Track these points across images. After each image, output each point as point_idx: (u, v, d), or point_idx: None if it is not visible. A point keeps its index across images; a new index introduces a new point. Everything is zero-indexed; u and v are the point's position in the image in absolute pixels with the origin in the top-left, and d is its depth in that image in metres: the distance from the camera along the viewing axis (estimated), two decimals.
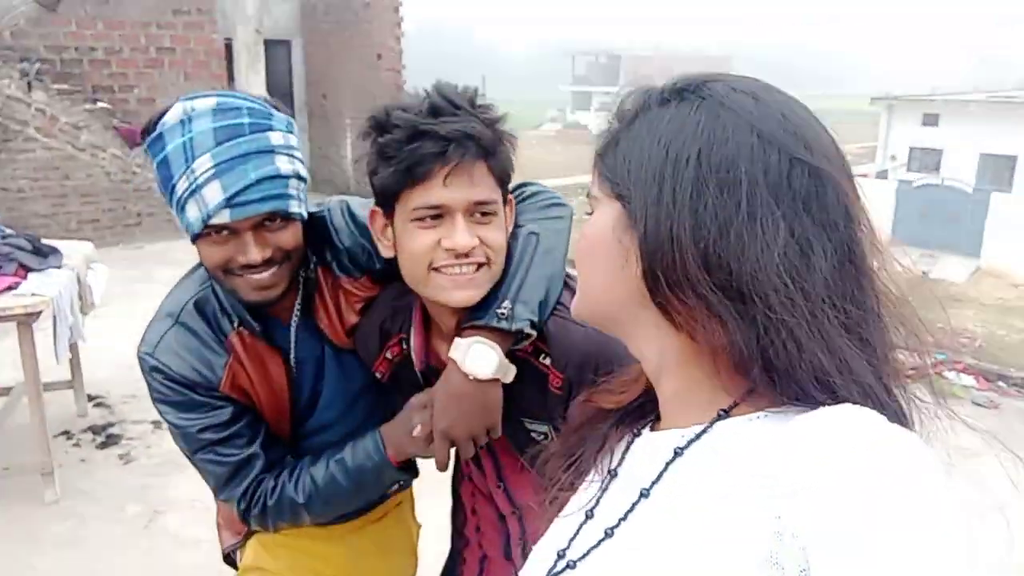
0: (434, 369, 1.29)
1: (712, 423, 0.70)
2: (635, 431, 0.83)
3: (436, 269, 1.17)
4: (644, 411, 0.83)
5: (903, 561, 0.51)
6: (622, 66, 55.47)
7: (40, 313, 3.45)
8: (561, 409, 1.19)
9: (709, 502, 0.65)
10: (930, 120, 24.80)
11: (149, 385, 1.36)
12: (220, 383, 1.34)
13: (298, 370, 1.41)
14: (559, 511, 0.85)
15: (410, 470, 1.39)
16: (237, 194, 1.20)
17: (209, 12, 10.03)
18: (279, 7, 12.32)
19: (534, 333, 1.20)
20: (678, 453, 0.71)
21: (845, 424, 0.60)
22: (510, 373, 1.21)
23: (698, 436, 0.70)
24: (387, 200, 1.19)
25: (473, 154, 1.13)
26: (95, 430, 4.28)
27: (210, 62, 10.09)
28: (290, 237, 1.29)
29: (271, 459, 1.38)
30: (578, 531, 0.79)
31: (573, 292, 1.26)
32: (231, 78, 10.41)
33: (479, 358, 1.17)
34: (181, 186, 1.21)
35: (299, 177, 1.28)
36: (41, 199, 8.75)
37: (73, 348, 4.21)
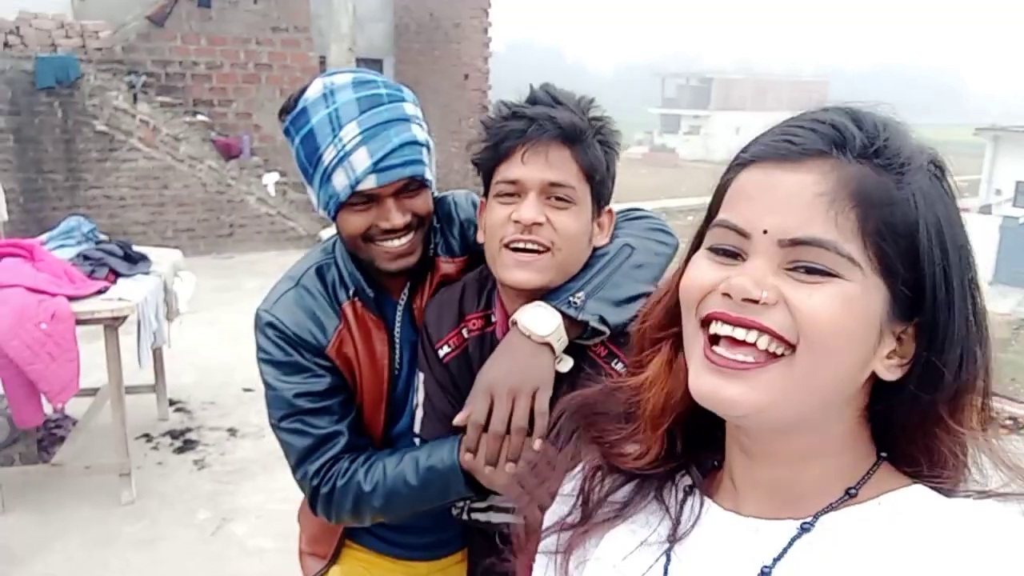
0: None
1: (840, 505, 0.66)
2: (684, 490, 0.76)
3: (506, 246, 1.19)
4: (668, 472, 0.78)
5: None
6: (713, 89, 54.79)
7: (125, 318, 3.57)
8: None
9: None
10: None
11: (258, 344, 1.38)
12: (328, 346, 1.36)
13: (401, 350, 1.42)
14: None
15: (481, 491, 1.30)
16: (383, 159, 1.27)
17: (305, 30, 10.35)
18: (373, 26, 12.62)
19: (605, 330, 1.18)
20: (805, 529, 0.66)
21: (1007, 527, 0.59)
22: (566, 363, 1.20)
23: (823, 514, 0.66)
24: (485, 181, 1.25)
25: (552, 136, 1.16)
26: (173, 434, 4.40)
27: (306, 78, 10.29)
28: (424, 203, 1.35)
29: (355, 443, 1.36)
30: None
31: None
32: None
33: (537, 318, 1.17)
34: (328, 155, 1.27)
35: (428, 147, 1.35)
36: (141, 207, 9.15)
37: (157, 353, 4.35)
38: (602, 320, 1.17)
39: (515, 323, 1.20)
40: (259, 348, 1.38)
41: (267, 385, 1.37)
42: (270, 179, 9.87)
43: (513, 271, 1.19)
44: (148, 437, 4.34)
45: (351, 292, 1.40)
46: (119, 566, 3.18)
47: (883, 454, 0.69)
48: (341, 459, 1.33)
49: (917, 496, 0.65)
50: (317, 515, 1.38)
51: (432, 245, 1.42)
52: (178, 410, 4.72)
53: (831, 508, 0.66)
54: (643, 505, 0.77)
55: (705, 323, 0.65)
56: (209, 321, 6.27)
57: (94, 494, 3.66)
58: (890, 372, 0.65)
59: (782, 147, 0.64)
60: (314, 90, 1.29)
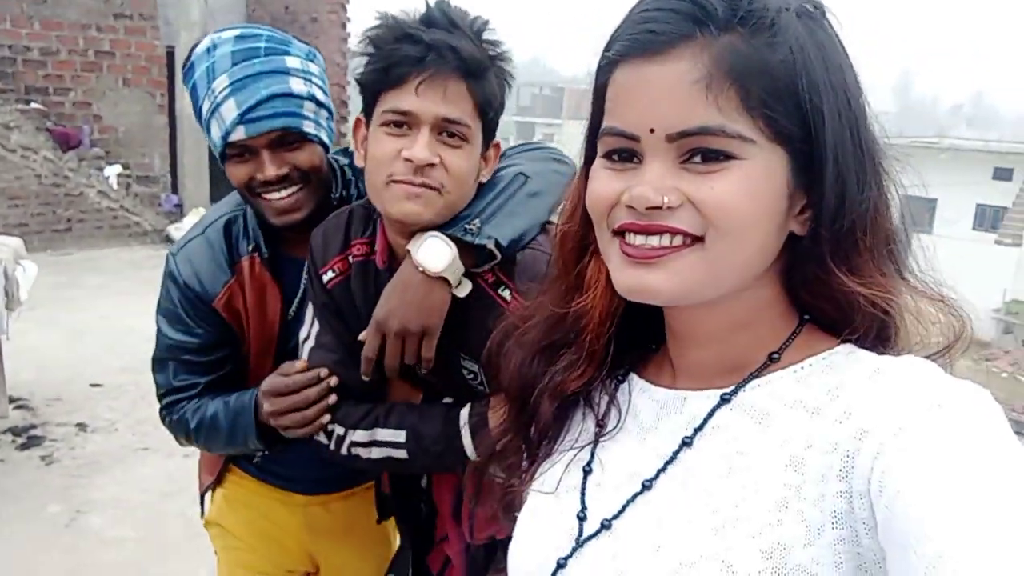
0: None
1: (763, 371, 0.68)
2: (617, 378, 0.79)
3: (394, 182, 1.13)
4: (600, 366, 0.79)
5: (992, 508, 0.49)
6: (565, 99, 56.24)
7: None
8: None
9: (768, 447, 0.63)
10: None
11: (161, 284, 1.46)
12: (215, 298, 1.40)
13: (299, 309, 1.43)
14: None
15: (272, 442, 1.36)
16: (249, 110, 1.27)
17: (152, 18, 9.87)
18: (225, 17, 12.16)
19: (499, 255, 1.15)
20: (725, 399, 0.68)
21: (921, 372, 0.60)
22: (464, 286, 1.17)
23: (745, 382, 0.68)
24: (367, 101, 1.17)
25: (452, 68, 1.09)
26: (16, 431, 4.14)
27: (152, 68, 9.92)
28: (306, 157, 1.33)
29: (210, 393, 1.43)
30: (585, 487, 0.74)
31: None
32: (173, 85, 10.26)
33: (432, 250, 1.14)
34: (205, 107, 1.31)
35: (316, 102, 1.33)
36: None
37: None
38: (497, 245, 1.14)
39: (409, 255, 1.16)
40: (161, 287, 1.45)
41: (157, 324, 1.44)
42: (112, 171, 9.35)
43: (402, 203, 1.13)
44: None
45: (251, 247, 1.42)
46: None
47: (806, 316, 0.69)
48: (186, 401, 1.44)
49: (841, 356, 0.66)
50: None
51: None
52: (19, 407, 4.43)
53: (753, 376, 0.68)
54: (573, 420, 0.80)
55: (617, 233, 0.66)
56: (49, 320, 5.90)
57: None
58: (804, 228, 0.65)
59: (645, 39, 0.62)
60: (202, 45, 1.33)
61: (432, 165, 1.11)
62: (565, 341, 0.78)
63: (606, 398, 0.77)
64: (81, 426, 4.26)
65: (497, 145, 1.24)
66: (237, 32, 1.32)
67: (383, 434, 1.25)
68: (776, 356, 0.68)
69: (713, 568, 0.60)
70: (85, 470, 3.78)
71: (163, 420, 1.47)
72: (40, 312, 5.68)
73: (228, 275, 1.41)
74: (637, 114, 0.63)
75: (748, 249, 0.63)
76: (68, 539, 3.19)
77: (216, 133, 1.31)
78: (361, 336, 1.20)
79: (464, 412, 1.21)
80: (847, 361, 0.65)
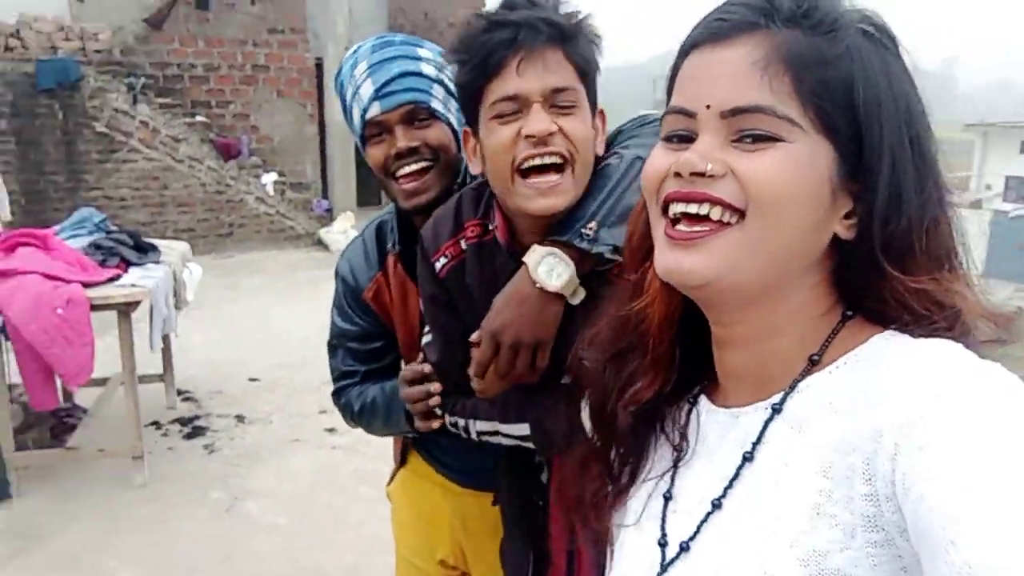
0: (518, 256, 1.20)
1: (804, 376, 0.68)
2: (689, 401, 0.80)
3: (520, 172, 1.11)
4: (678, 384, 0.80)
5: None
6: None
7: (138, 303, 3.66)
8: None
9: (805, 454, 0.64)
10: None
11: None
12: (364, 291, 1.55)
13: None
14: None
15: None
16: (383, 86, 1.39)
17: (302, 32, 10.42)
18: (368, 27, 12.67)
19: (617, 259, 1.08)
20: (776, 410, 0.68)
21: (938, 358, 0.60)
22: (578, 295, 1.15)
23: (791, 389, 0.68)
24: (470, 106, 1.17)
25: (545, 39, 1.08)
26: (182, 422, 4.48)
27: (302, 80, 10.47)
28: (436, 134, 1.42)
29: (373, 380, 1.56)
30: (665, 514, 0.76)
31: None
32: (322, 95, 10.78)
33: (551, 269, 1.13)
34: (348, 93, 1.44)
35: (446, 88, 1.41)
36: (141, 208, 9.22)
37: (165, 342, 4.42)
38: (615, 250, 1.09)
39: (525, 266, 1.14)
40: None
41: (330, 313, 1.63)
42: (268, 179, 9.94)
43: (536, 200, 1.11)
44: (157, 425, 4.41)
45: (394, 243, 1.52)
46: (131, 544, 3.26)
47: (848, 313, 0.69)
48: (352, 387, 1.59)
49: (870, 348, 0.66)
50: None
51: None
52: (186, 399, 4.79)
53: (797, 380, 0.68)
54: (649, 449, 0.81)
55: (665, 210, 0.69)
56: (212, 319, 6.35)
57: (106, 478, 3.74)
58: (849, 232, 0.66)
59: (715, 26, 0.67)
60: (348, 53, 1.48)
61: (552, 134, 1.09)
62: (631, 345, 0.80)
63: (680, 424, 0.79)
64: (240, 418, 4.55)
65: (602, 112, 1.21)
66: (375, 39, 1.47)
67: (506, 428, 1.25)
68: (816, 358, 0.68)
69: None
70: (243, 460, 4.03)
71: (335, 403, 1.62)
72: (204, 311, 6.12)
73: (375, 269, 1.54)
74: (696, 91, 0.67)
75: (787, 231, 0.64)
76: (227, 525, 3.42)
77: (357, 115, 1.42)
78: (473, 337, 1.19)
79: (585, 415, 1.18)
80: (875, 353, 0.65)
